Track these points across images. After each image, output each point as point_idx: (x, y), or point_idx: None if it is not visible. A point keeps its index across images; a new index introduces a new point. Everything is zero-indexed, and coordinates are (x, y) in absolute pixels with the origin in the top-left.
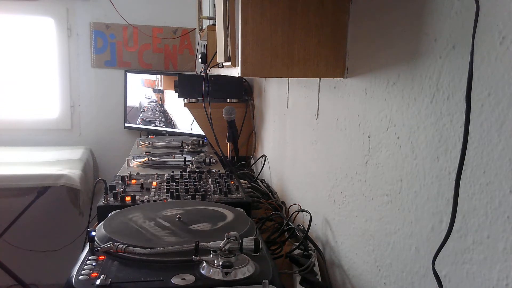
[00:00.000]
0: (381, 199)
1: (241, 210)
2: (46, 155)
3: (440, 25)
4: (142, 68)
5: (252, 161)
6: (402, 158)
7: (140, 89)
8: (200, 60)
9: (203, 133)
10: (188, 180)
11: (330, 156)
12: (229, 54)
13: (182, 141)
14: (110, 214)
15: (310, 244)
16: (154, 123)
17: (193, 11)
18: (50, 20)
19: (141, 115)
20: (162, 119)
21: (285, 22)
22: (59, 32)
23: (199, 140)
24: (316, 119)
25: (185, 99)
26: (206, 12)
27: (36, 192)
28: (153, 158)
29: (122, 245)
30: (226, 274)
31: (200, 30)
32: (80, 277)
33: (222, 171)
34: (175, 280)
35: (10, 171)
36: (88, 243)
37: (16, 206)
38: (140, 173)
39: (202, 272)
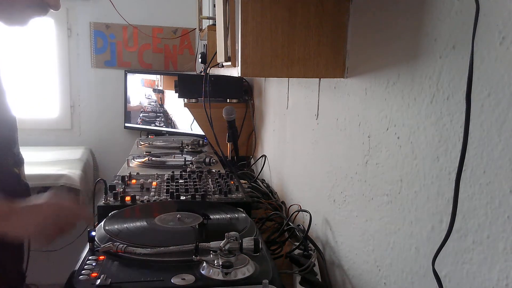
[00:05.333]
0: (381, 199)
1: (241, 210)
2: (46, 155)
3: (440, 25)
4: (142, 68)
5: (252, 161)
6: (402, 158)
7: (140, 89)
8: (200, 60)
9: (203, 133)
10: (188, 180)
11: (330, 156)
12: (229, 54)
13: (182, 141)
14: (110, 214)
15: (310, 244)
16: (154, 123)
17: (193, 11)
18: (50, 20)
19: (141, 115)
20: (162, 119)
21: (285, 22)
22: (59, 32)
23: (199, 140)
24: (316, 119)
25: (185, 99)
26: (206, 12)
27: (36, 192)
28: (153, 158)
29: (122, 245)
30: (226, 274)
31: (200, 30)
32: (80, 277)
33: (222, 171)
34: (175, 280)
35: None
36: (88, 243)
37: None
38: (140, 173)
39: (202, 272)
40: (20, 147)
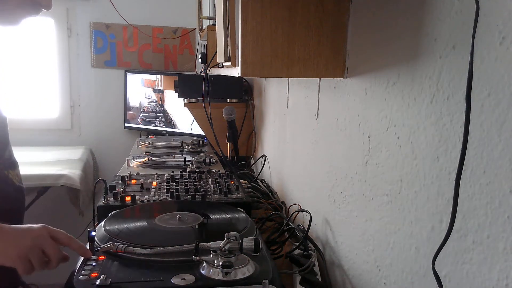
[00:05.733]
0: (381, 199)
1: (241, 210)
2: (46, 155)
3: (440, 25)
4: (142, 68)
5: (252, 161)
6: (402, 158)
7: (140, 89)
8: (200, 60)
9: (203, 133)
10: (188, 180)
11: (330, 156)
12: (229, 54)
13: (182, 141)
14: (110, 214)
15: (310, 244)
16: (154, 123)
17: (193, 11)
18: (50, 20)
19: (141, 115)
20: (162, 119)
21: (285, 22)
22: (59, 32)
23: (199, 140)
24: (316, 119)
25: (185, 99)
26: (206, 12)
27: (36, 192)
28: (153, 158)
29: (122, 245)
30: (226, 274)
31: (200, 30)
32: (80, 277)
33: (222, 171)
34: (175, 280)
35: None
36: (88, 243)
37: None
38: (140, 173)
39: (202, 272)
40: (19, 148)
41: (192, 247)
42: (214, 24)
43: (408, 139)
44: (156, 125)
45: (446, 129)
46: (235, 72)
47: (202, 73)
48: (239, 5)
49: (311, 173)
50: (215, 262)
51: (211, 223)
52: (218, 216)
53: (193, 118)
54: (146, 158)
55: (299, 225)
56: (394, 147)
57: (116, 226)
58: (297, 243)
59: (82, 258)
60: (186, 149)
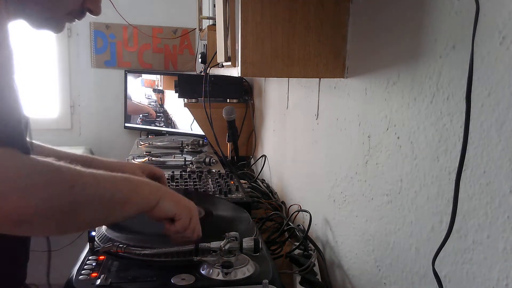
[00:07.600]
0: (381, 199)
1: (242, 209)
2: None
3: (440, 25)
4: (142, 68)
5: (252, 161)
6: (402, 158)
7: (140, 89)
8: (200, 60)
9: (203, 133)
10: (188, 180)
11: (330, 156)
12: (229, 54)
13: (182, 141)
14: None
15: (310, 244)
16: (154, 123)
17: (193, 11)
18: None
19: (141, 115)
20: (162, 119)
21: (285, 22)
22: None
23: (199, 140)
24: (316, 119)
25: (185, 99)
26: (206, 12)
27: None
28: (153, 158)
29: (122, 245)
30: (226, 274)
31: (200, 30)
32: (80, 277)
33: (222, 171)
34: (175, 280)
35: None
36: (88, 243)
37: None
38: None
39: (202, 272)
40: None
41: (192, 247)
42: (214, 24)
43: (408, 139)
44: (156, 125)
45: (446, 129)
46: (235, 72)
47: (202, 73)
48: (239, 5)
49: (311, 173)
50: (215, 262)
51: (211, 223)
52: (219, 213)
53: (193, 118)
54: (146, 158)
55: (299, 225)
56: (394, 147)
57: (116, 226)
58: (297, 243)
59: (82, 258)
60: (186, 149)
